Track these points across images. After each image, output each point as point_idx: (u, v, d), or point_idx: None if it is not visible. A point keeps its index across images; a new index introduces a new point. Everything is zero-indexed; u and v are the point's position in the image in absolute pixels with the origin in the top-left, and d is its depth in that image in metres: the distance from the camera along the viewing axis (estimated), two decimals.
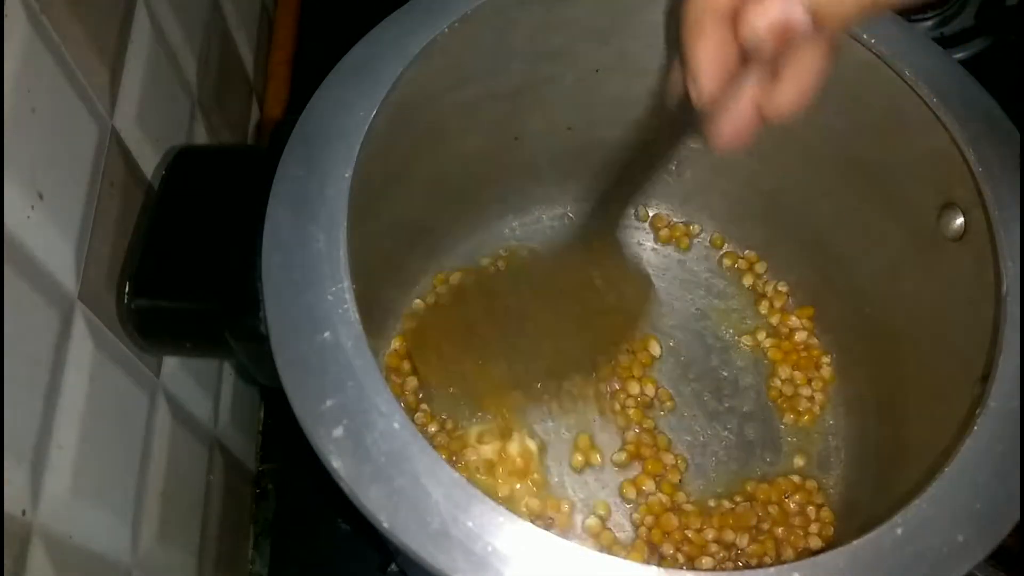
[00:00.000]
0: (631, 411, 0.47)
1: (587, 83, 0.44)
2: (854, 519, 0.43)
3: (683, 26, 0.27)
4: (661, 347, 0.49)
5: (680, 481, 0.45)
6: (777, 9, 0.25)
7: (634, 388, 0.47)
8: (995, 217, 0.34)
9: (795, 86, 0.28)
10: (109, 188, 0.36)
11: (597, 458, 0.46)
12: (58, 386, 0.31)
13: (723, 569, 0.43)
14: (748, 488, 0.45)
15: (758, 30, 0.25)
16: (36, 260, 0.30)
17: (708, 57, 0.27)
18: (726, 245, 0.52)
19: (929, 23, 0.61)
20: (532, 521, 0.27)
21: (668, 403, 0.47)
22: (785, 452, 0.47)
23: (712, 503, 0.45)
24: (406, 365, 0.47)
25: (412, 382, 0.46)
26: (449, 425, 0.45)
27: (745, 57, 0.27)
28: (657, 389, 0.47)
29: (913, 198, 0.39)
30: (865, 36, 0.37)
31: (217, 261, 0.35)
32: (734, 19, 0.26)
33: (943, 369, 0.38)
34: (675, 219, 0.52)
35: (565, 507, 0.44)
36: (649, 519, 0.44)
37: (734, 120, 0.28)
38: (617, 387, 0.47)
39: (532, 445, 0.45)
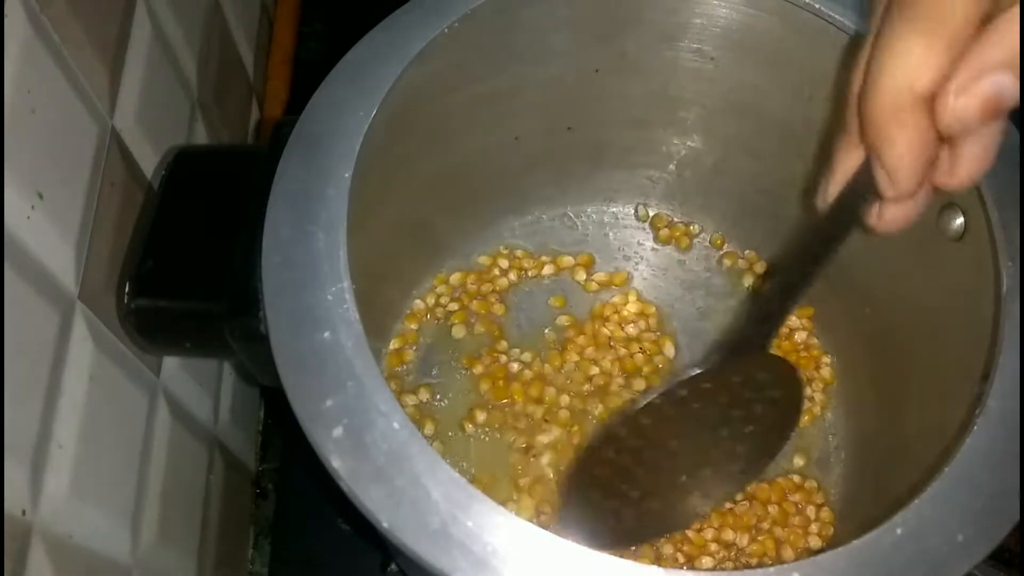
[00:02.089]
0: None
1: (587, 83, 0.44)
2: (854, 519, 0.43)
3: (873, 115, 0.24)
4: (676, 347, 0.49)
5: None
6: (988, 84, 0.22)
7: (639, 386, 0.47)
8: (995, 217, 0.34)
9: (978, 154, 0.25)
10: (109, 188, 0.36)
11: None
12: (58, 386, 0.31)
13: (723, 569, 0.43)
14: (748, 488, 0.45)
15: (968, 120, 0.22)
16: (36, 260, 0.30)
17: (911, 149, 0.23)
18: (726, 245, 0.52)
19: None
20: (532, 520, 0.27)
21: None
22: (785, 452, 0.47)
23: None
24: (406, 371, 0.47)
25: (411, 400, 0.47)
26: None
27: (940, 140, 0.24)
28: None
29: None
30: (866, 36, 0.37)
31: (217, 261, 0.35)
32: (933, 101, 0.23)
33: (943, 369, 0.38)
34: (675, 219, 0.53)
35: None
36: None
37: (916, 206, 0.26)
38: None
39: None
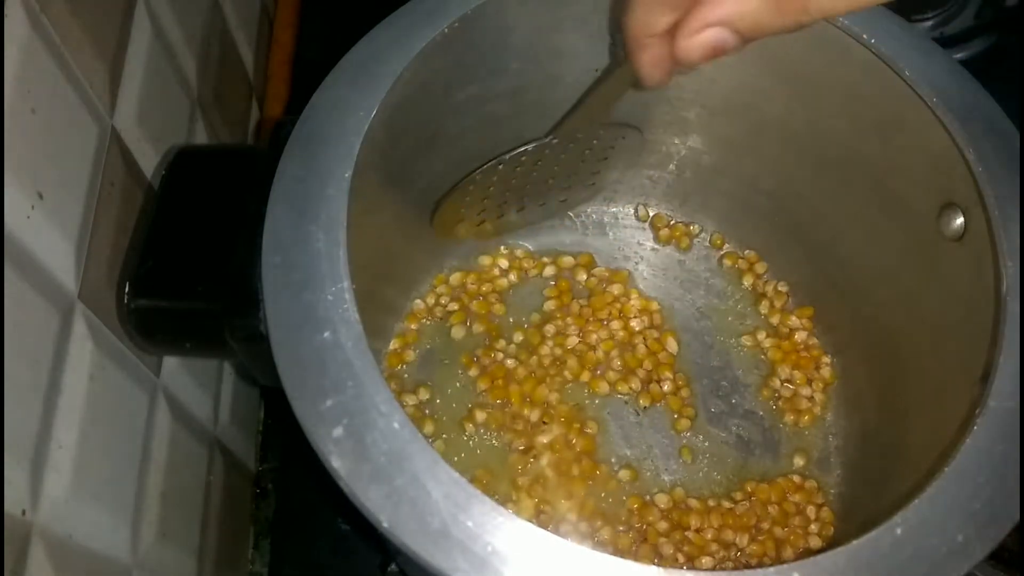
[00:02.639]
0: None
1: (587, 83, 0.44)
2: (854, 519, 0.43)
3: (626, 41, 0.32)
4: (679, 343, 0.49)
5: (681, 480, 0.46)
6: (709, 38, 0.28)
7: (636, 384, 0.47)
8: (995, 217, 0.34)
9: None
10: (109, 188, 0.36)
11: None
12: (58, 386, 0.31)
13: (723, 569, 0.43)
14: (748, 488, 0.45)
15: (693, 57, 0.29)
16: (36, 260, 0.30)
17: (652, 63, 0.32)
18: (726, 245, 0.52)
19: (929, 23, 0.61)
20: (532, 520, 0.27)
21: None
22: (785, 452, 0.47)
23: (712, 503, 0.45)
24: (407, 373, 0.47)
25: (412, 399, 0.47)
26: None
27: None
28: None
29: (913, 198, 0.39)
30: (865, 36, 0.37)
31: (217, 261, 0.35)
32: (670, 34, 0.29)
33: (943, 369, 0.38)
34: (675, 219, 0.53)
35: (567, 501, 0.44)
36: (649, 519, 0.44)
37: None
38: None
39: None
